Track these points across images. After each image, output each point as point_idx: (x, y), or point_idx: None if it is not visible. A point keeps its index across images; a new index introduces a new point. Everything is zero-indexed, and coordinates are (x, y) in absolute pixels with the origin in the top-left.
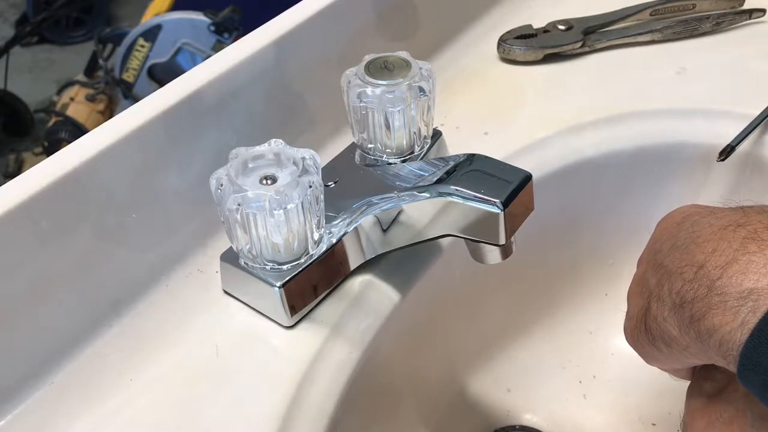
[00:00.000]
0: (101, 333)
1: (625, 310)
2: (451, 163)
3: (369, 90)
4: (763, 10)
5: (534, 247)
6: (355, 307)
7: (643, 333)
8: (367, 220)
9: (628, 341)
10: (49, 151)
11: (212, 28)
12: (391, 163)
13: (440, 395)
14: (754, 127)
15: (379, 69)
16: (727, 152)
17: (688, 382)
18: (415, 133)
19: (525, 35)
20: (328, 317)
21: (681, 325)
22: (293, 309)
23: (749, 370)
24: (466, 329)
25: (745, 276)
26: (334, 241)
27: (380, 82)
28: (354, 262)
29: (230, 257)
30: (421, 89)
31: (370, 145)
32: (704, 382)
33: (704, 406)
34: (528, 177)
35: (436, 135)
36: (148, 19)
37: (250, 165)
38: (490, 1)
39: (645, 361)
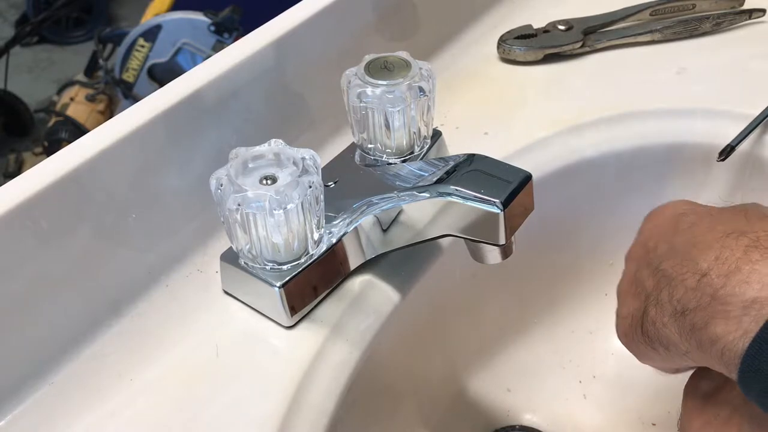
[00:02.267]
0: (101, 333)
1: None
2: (451, 163)
3: (369, 90)
4: (763, 10)
5: (534, 247)
6: (355, 307)
7: (639, 335)
8: (367, 220)
9: (620, 340)
10: (49, 151)
11: (212, 28)
12: (391, 163)
13: (440, 395)
14: (754, 127)
15: (379, 69)
16: (727, 152)
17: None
18: (415, 133)
19: (525, 35)
20: (328, 317)
21: (681, 332)
22: (293, 309)
23: (749, 376)
24: (466, 329)
25: (749, 285)
26: (334, 241)
27: (380, 82)
28: (354, 262)
29: (230, 257)
30: (421, 89)
31: (370, 145)
32: (701, 382)
33: (701, 405)
34: (528, 177)
35: (436, 135)
36: (148, 19)
37: (250, 165)
38: (490, 1)
39: (638, 360)
